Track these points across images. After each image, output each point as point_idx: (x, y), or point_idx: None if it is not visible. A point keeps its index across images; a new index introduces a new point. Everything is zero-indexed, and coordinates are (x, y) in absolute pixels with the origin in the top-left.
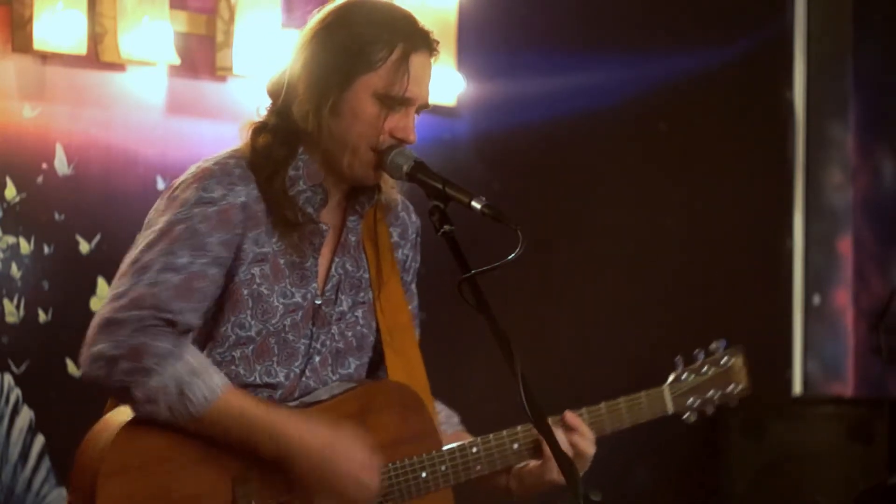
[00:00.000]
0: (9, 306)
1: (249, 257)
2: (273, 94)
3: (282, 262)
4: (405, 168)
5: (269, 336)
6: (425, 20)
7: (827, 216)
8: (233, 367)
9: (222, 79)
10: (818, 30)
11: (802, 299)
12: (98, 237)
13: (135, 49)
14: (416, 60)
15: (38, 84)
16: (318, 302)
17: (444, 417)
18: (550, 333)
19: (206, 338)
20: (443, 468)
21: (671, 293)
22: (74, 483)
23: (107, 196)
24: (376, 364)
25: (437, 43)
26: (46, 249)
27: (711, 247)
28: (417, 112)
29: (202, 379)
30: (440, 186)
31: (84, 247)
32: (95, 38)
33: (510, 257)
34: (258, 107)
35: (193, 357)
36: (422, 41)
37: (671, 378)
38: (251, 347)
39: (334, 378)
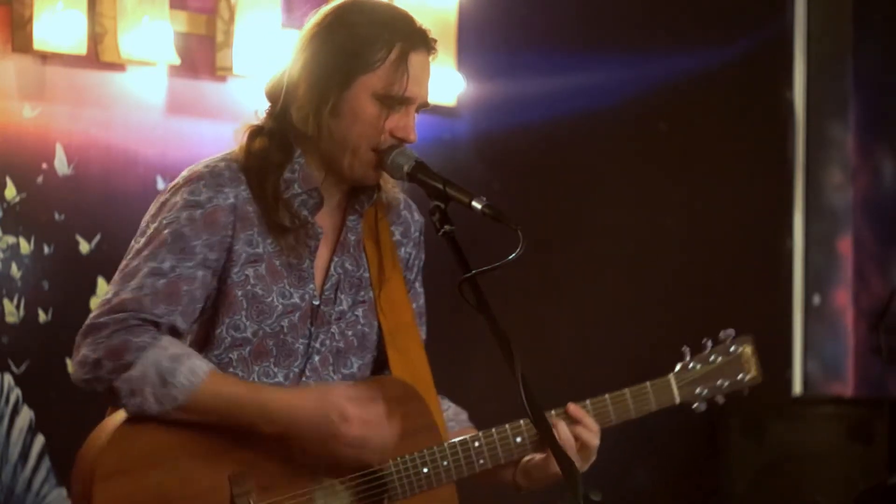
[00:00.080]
0: (9, 306)
1: (242, 258)
2: (272, 96)
3: (277, 263)
4: (406, 168)
5: (267, 337)
6: (425, 20)
7: (827, 216)
8: (230, 370)
9: (222, 79)
10: (818, 30)
11: (802, 299)
12: (98, 237)
13: (135, 49)
14: (414, 60)
15: (38, 84)
16: (315, 303)
17: (452, 414)
18: (550, 333)
19: (202, 341)
20: (444, 463)
21: (671, 293)
22: (73, 486)
23: (107, 196)
24: (381, 363)
25: (436, 42)
26: (46, 249)
27: (711, 247)
28: (417, 111)
29: (183, 363)
30: (441, 186)
31: (84, 247)
32: (95, 38)
33: (510, 257)
34: (256, 110)
35: (173, 345)
36: (420, 40)
37: (678, 367)
38: (248, 349)
39: (336, 378)
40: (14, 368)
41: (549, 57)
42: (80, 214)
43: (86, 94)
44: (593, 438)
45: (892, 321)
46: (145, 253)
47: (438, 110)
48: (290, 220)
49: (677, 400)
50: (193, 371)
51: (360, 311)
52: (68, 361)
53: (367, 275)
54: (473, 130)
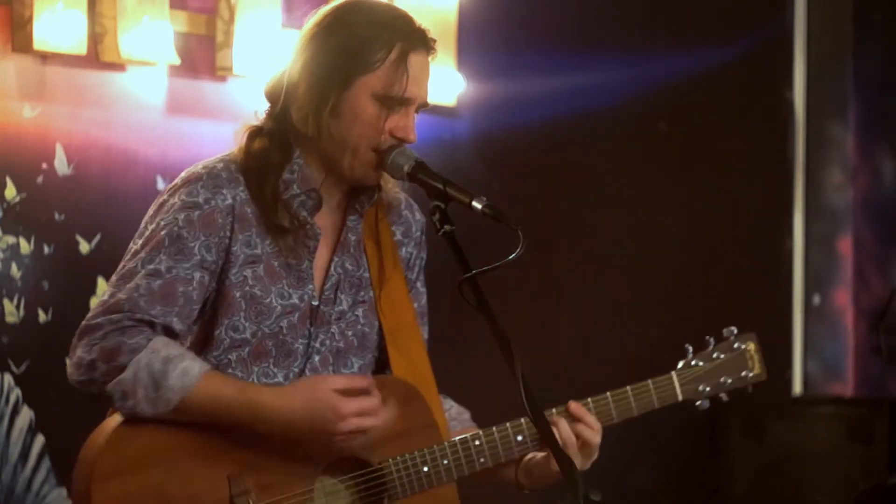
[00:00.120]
0: (9, 306)
1: (241, 259)
2: (271, 96)
3: (276, 263)
4: (406, 168)
5: (266, 338)
6: (425, 20)
7: (827, 216)
8: (230, 370)
9: (222, 79)
10: (818, 30)
11: (802, 299)
12: (98, 237)
13: (135, 49)
14: (414, 60)
15: (38, 84)
16: (314, 303)
17: (455, 414)
18: (550, 333)
19: (202, 342)
20: (445, 462)
21: (671, 293)
22: (73, 486)
23: (107, 196)
24: (383, 363)
25: (435, 42)
26: (46, 249)
27: (711, 247)
28: (417, 111)
29: (176, 366)
30: (441, 186)
31: (84, 247)
32: (95, 38)
33: (511, 257)
34: (256, 110)
35: (167, 346)
36: (419, 40)
37: (680, 364)
38: (247, 350)
39: None
40: (14, 368)
41: (549, 57)
42: (80, 214)
43: (86, 94)
44: (594, 436)
45: (892, 321)
46: (142, 254)
47: (438, 110)
48: (289, 220)
49: (680, 397)
50: (186, 373)
51: (360, 311)
52: (68, 361)
53: (367, 275)
54: (473, 130)
